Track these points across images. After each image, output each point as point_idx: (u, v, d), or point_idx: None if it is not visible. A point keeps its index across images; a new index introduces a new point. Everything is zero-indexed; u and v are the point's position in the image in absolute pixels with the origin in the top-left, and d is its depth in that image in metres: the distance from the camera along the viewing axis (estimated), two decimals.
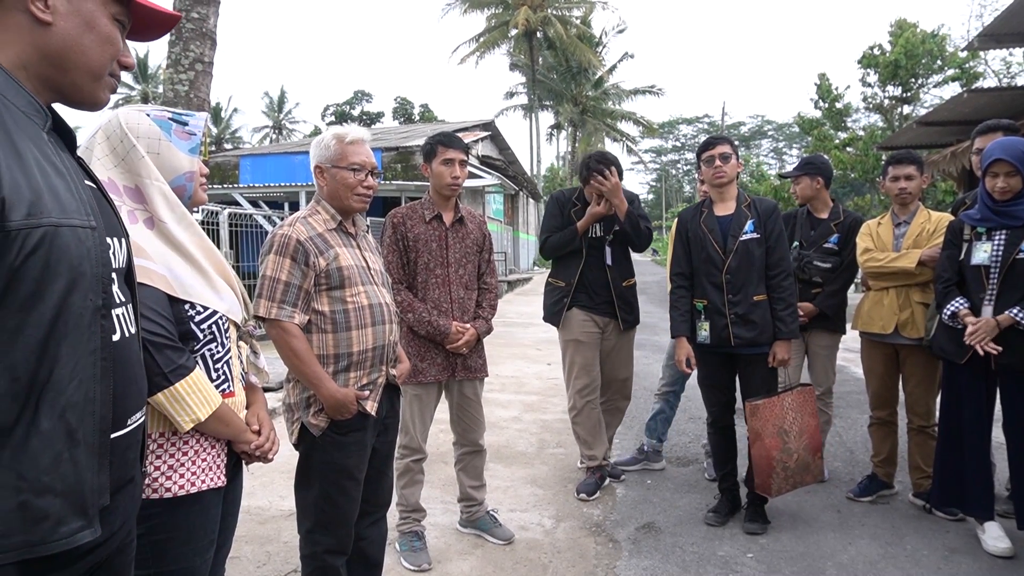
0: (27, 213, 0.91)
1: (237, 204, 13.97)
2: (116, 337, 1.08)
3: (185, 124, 1.57)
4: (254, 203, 15.25)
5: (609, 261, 3.78)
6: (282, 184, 15.96)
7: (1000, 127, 3.38)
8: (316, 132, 47.05)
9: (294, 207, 16.08)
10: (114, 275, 1.11)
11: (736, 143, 3.47)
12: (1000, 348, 2.86)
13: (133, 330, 1.17)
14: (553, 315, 3.86)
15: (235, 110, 55.12)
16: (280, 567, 2.94)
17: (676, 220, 3.68)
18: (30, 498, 0.92)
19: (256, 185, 16.30)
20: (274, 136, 54.21)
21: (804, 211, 4.01)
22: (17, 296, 0.91)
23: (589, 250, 3.75)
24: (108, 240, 1.09)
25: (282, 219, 12.03)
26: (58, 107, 1.11)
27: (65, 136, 1.11)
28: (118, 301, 1.13)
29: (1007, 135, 3.28)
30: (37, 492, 0.93)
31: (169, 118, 1.56)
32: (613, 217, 3.70)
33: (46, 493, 0.94)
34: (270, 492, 3.76)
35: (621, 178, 3.68)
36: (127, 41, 1.15)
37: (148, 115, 1.53)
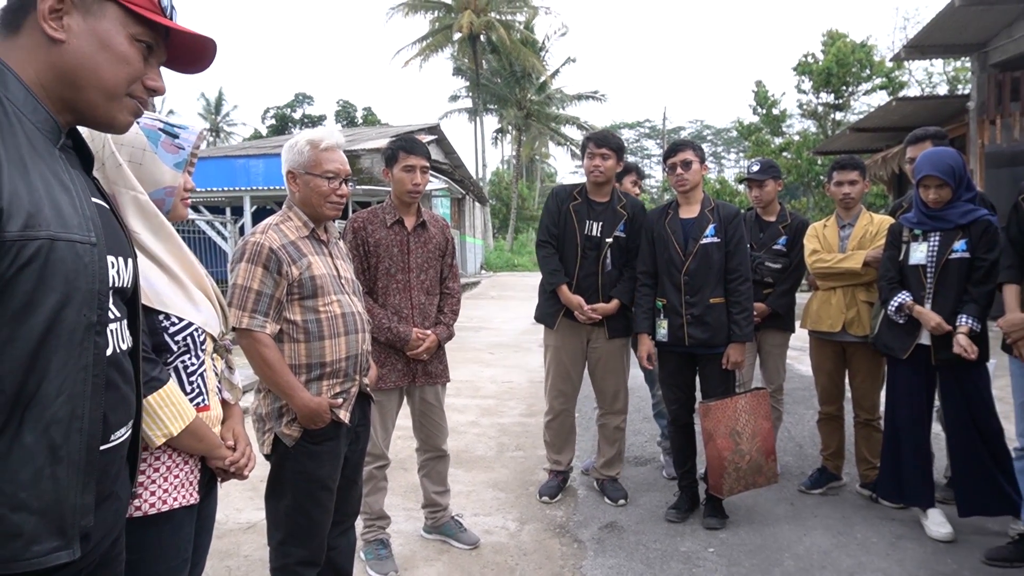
0: (24, 224, 0.91)
1: None
2: (108, 352, 1.07)
3: (175, 137, 1.51)
4: (194, 208, 14.79)
5: (609, 266, 3.62)
6: (224, 189, 15.52)
7: (928, 136, 3.55)
8: (256, 135, 45.86)
9: (237, 211, 15.66)
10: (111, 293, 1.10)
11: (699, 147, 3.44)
12: None
13: (125, 346, 1.16)
14: (548, 316, 3.70)
15: (171, 112, 53.21)
16: None
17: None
18: (5, 513, 0.91)
19: (196, 189, 15.80)
20: (211, 139, 52.66)
21: (753, 214, 4.13)
22: (8, 307, 0.90)
23: (584, 251, 3.62)
24: (112, 258, 1.09)
25: (224, 224, 11.63)
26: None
27: (82, 155, 1.13)
28: (112, 317, 1.11)
29: (936, 143, 3.45)
30: (12, 508, 0.91)
31: (160, 128, 1.50)
32: (613, 218, 3.62)
33: (21, 510, 0.92)
34: (226, 505, 3.66)
35: (622, 158, 3.68)
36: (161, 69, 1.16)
37: (138, 123, 1.48)
